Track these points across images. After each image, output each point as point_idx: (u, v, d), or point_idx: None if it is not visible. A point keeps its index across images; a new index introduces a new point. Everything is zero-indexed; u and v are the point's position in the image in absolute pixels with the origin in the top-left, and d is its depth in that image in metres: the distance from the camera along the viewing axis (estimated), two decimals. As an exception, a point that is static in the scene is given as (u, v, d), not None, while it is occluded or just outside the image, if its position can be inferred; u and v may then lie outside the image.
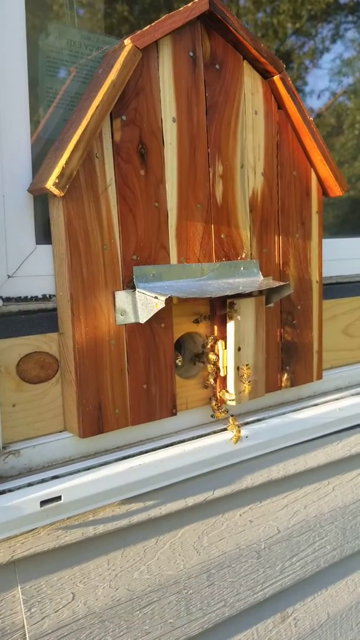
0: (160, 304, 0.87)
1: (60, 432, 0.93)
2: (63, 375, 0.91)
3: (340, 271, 1.38)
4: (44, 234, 0.91)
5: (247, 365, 1.05)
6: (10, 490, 0.84)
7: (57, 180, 0.79)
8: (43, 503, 0.84)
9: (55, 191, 0.80)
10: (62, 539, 0.88)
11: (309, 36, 1.78)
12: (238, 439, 1.06)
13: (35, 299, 0.89)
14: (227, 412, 1.10)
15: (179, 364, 0.99)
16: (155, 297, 0.88)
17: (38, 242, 0.90)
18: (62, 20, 0.99)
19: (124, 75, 0.85)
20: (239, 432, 1.06)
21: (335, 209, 1.85)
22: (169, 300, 0.89)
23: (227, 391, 1.06)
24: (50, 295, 0.91)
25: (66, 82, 0.98)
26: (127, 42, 0.87)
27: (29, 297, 0.89)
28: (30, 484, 0.85)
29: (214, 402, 1.06)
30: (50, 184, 0.80)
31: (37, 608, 0.87)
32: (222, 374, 1.05)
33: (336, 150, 1.89)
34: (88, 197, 0.87)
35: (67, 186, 0.81)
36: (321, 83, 1.81)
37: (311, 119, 1.11)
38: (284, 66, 1.06)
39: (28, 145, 0.87)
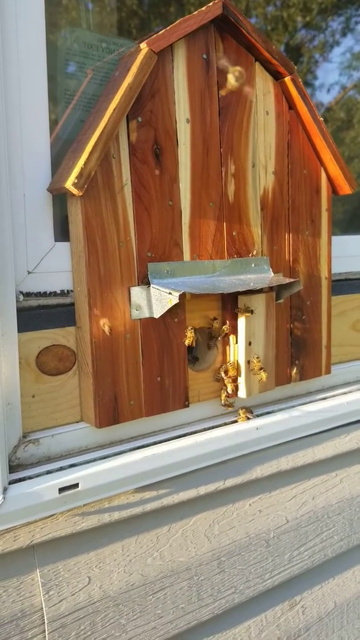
0: (174, 299, 0.91)
1: (77, 422, 0.96)
2: (80, 367, 0.95)
3: (349, 268, 1.41)
4: (62, 232, 0.94)
5: (257, 357, 1.08)
6: (30, 478, 0.87)
7: (76, 180, 0.83)
8: (61, 490, 0.87)
9: (74, 191, 0.83)
10: (79, 525, 0.92)
11: (319, 30, 1.77)
12: (246, 418, 1.11)
13: (54, 294, 0.93)
14: (233, 405, 1.13)
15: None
16: (170, 293, 0.91)
17: (57, 240, 0.93)
18: (80, 23, 1.02)
19: (140, 78, 0.88)
20: (245, 413, 1.10)
21: (345, 204, 1.86)
22: (182, 296, 0.92)
23: (238, 384, 1.09)
24: (68, 291, 0.94)
25: (83, 83, 1.01)
26: (143, 45, 0.90)
27: (47, 292, 0.92)
28: (49, 472, 0.89)
29: (224, 395, 1.09)
30: (69, 184, 0.83)
31: (55, 591, 0.91)
32: (232, 364, 1.08)
33: (346, 144, 1.89)
34: (105, 196, 0.90)
35: (86, 186, 0.84)
36: (331, 77, 1.80)
37: (321, 119, 1.14)
38: (295, 67, 1.08)
39: (47, 145, 0.91)
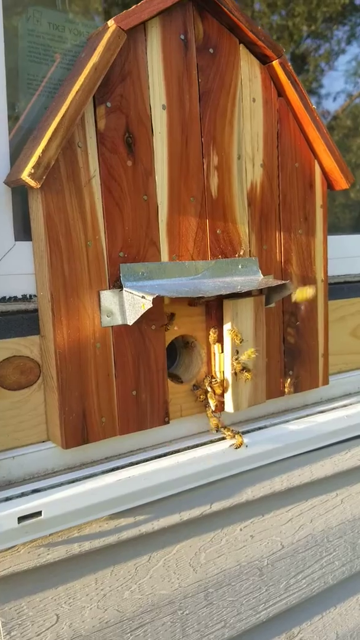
0: (147, 304, 0.81)
1: (43, 442, 0.87)
2: (45, 381, 0.85)
3: (348, 270, 1.31)
4: (24, 230, 0.85)
5: (236, 359, 0.97)
6: (-14, 506, 0.78)
7: (32, 171, 0.74)
8: (21, 519, 0.77)
9: (31, 182, 0.74)
10: (43, 557, 0.82)
11: (324, 38, 1.76)
12: (241, 444, 0.99)
13: (14, 299, 0.84)
14: (219, 420, 1.03)
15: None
16: (143, 297, 0.82)
17: (17, 239, 0.84)
18: (45, 2, 0.94)
19: (107, 58, 0.79)
20: (241, 437, 0.99)
21: (354, 211, 1.80)
22: (157, 300, 0.83)
23: (224, 397, 0.99)
24: (30, 296, 0.85)
25: (50, 69, 0.92)
26: (111, 23, 0.81)
27: (7, 297, 0.83)
28: (8, 499, 0.79)
29: (209, 410, 0.99)
30: (25, 175, 0.74)
31: (18, 631, 0.81)
32: (218, 378, 0.98)
33: (353, 152, 1.86)
34: (70, 190, 0.81)
35: (45, 177, 0.75)
36: (337, 85, 1.81)
37: (314, 107, 1.04)
38: (283, 50, 0.99)
39: (6, 135, 0.82)
